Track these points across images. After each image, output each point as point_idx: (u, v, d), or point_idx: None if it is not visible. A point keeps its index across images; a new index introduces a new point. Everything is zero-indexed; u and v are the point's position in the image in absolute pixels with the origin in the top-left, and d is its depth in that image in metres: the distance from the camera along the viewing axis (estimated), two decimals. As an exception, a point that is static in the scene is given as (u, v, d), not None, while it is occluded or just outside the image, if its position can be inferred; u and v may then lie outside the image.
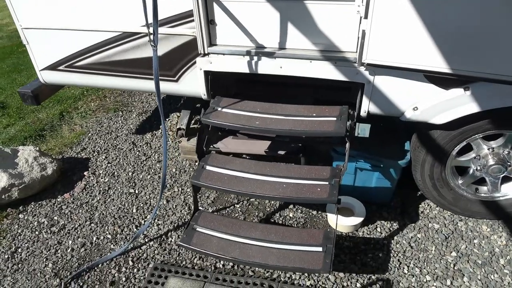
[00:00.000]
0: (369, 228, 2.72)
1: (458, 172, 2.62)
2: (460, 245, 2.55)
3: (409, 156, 2.66)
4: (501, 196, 2.60)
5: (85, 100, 4.64)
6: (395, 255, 2.52)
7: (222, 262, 2.51)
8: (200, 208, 2.92)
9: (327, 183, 2.19)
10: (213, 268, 2.50)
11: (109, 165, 3.52)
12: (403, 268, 2.44)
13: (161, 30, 2.40)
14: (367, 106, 2.34)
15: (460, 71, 2.01)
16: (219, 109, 2.47)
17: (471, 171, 2.56)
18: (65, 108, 4.46)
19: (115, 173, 3.41)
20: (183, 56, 2.52)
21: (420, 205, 2.87)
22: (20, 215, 3.03)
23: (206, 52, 2.44)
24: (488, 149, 2.45)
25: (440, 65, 2.02)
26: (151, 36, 2.01)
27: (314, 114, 2.32)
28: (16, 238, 2.83)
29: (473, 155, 2.50)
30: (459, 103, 2.18)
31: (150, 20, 1.98)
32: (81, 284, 2.46)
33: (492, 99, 2.12)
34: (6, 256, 2.69)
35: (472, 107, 2.17)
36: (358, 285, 2.35)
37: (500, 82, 1.95)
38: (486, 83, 2.03)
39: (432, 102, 2.22)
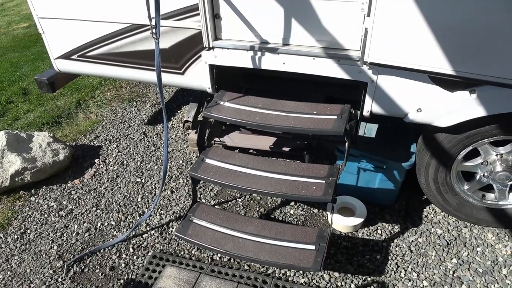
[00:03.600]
0: (369, 229, 2.68)
1: (465, 177, 2.55)
2: (462, 252, 2.49)
3: (413, 159, 2.60)
4: (508, 204, 2.50)
5: (102, 90, 4.75)
6: (394, 258, 2.48)
7: (218, 254, 2.54)
8: (201, 200, 2.97)
9: (323, 181, 2.17)
10: (209, 260, 2.53)
11: (119, 153, 3.60)
12: (400, 271, 2.40)
13: (168, 22, 2.44)
14: (370, 106, 2.30)
15: (465, 74, 1.95)
16: (222, 103, 2.48)
17: (477, 177, 2.48)
18: (82, 96, 4.59)
19: (124, 162, 3.49)
20: (189, 49, 2.54)
21: (424, 209, 2.81)
22: (31, 198, 3.15)
23: (211, 46, 2.45)
24: (496, 155, 2.37)
25: (445, 66, 1.96)
26: (153, 29, 2.04)
27: (314, 112, 2.30)
28: (26, 220, 2.95)
29: (480, 160, 2.42)
30: (464, 106, 2.11)
31: (153, 13, 2.01)
32: (82, 267, 2.55)
33: (499, 103, 2.04)
34: (16, 236, 2.81)
35: (478, 111, 2.10)
36: (353, 286, 2.33)
37: (507, 86, 1.88)
38: (493, 87, 1.97)
39: (437, 104, 2.16)
